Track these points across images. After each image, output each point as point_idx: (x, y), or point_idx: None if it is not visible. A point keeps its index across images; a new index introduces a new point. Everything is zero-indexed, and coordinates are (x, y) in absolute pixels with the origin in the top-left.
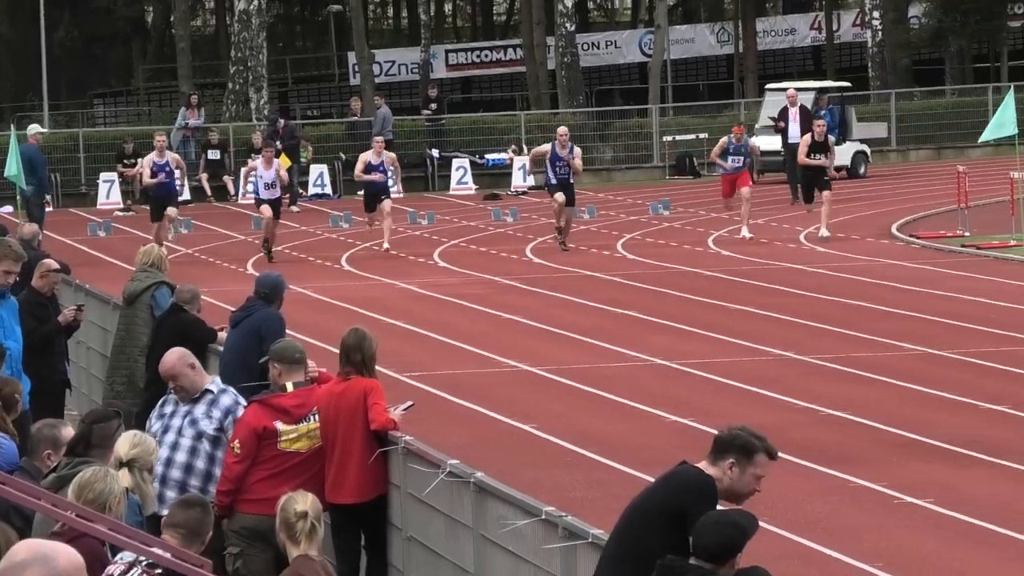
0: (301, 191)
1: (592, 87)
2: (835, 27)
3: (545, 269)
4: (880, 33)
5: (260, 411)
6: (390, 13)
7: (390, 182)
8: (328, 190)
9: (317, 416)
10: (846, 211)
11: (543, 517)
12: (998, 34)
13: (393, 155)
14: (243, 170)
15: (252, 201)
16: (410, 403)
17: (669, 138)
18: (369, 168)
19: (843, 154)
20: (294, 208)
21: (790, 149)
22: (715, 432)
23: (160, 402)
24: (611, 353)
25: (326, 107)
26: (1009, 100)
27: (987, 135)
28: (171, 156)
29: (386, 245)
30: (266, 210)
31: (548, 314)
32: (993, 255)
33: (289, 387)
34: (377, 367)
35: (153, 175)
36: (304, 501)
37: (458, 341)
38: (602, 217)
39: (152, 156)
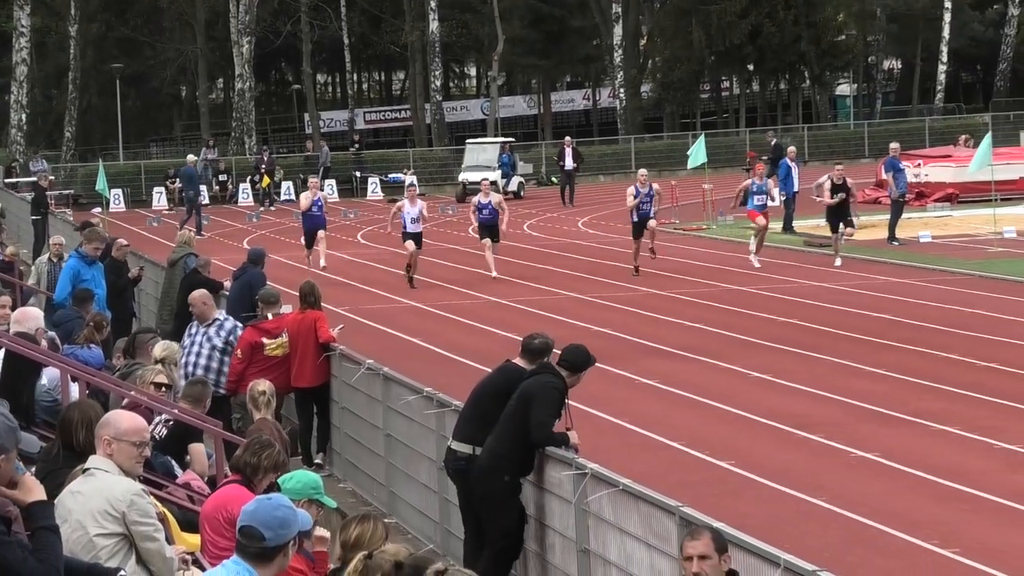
0: (276, 197)
1: (453, 134)
2: (597, 98)
3: (427, 245)
4: (624, 101)
5: (253, 331)
6: (330, 89)
7: (502, 224)
8: (292, 197)
9: (286, 334)
10: (598, 209)
11: (424, 394)
12: (694, 103)
13: (500, 196)
14: (392, 209)
15: (399, 234)
16: (342, 326)
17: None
18: (480, 207)
19: (513, 184)
20: (272, 208)
21: (567, 173)
22: (522, 339)
23: (188, 327)
24: (466, 295)
25: (291, 146)
26: (700, 143)
27: (690, 164)
28: (322, 195)
29: (494, 274)
30: (410, 244)
31: (428, 272)
32: (693, 235)
33: (270, 316)
34: (322, 304)
35: (308, 208)
36: (264, 384)
37: (372, 287)
38: (460, 215)
39: (308, 193)
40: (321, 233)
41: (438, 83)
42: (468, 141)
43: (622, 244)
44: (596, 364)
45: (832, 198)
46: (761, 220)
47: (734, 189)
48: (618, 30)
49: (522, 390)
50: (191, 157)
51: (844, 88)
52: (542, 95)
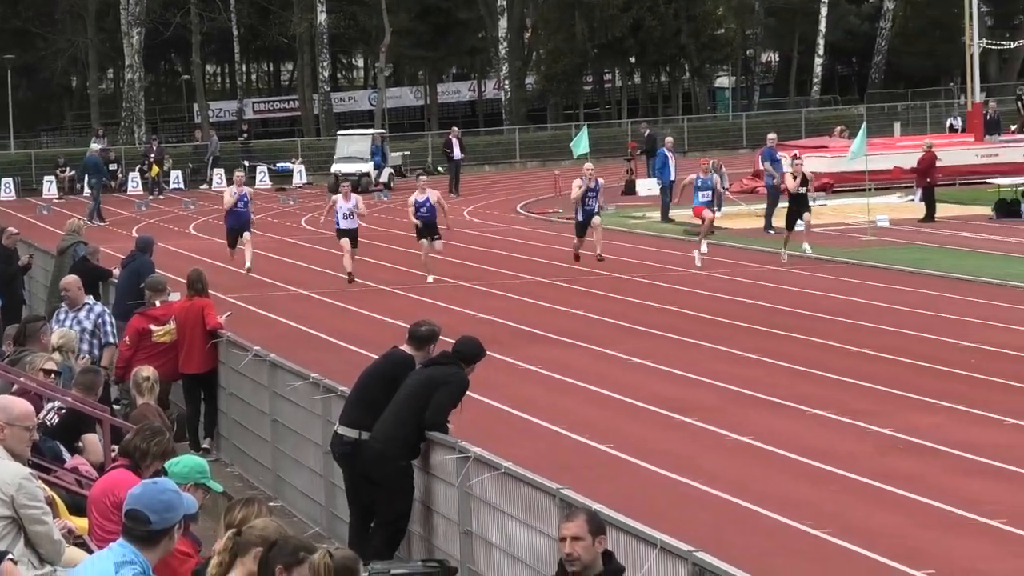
0: (165, 186)
1: (341, 124)
2: (483, 89)
3: (309, 232)
4: (509, 93)
5: (141, 319)
6: (219, 79)
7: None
8: (181, 185)
9: (174, 321)
10: (484, 198)
11: (311, 380)
12: (577, 94)
13: (438, 193)
14: (327, 205)
15: (333, 233)
16: (229, 312)
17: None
18: (417, 206)
19: (384, 175)
20: (161, 196)
21: (455, 164)
22: (408, 326)
23: (56, 313)
24: (354, 283)
25: (180, 136)
26: (583, 133)
27: (573, 154)
28: (248, 190)
29: (430, 278)
30: (346, 243)
31: (313, 259)
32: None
33: (158, 303)
34: (210, 291)
35: (233, 205)
36: (148, 370)
37: (259, 275)
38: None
39: (233, 188)
40: (247, 236)
41: (326, 74)
42: (339, 132)
43: (507, 232)
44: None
45: (797, 187)
46: (708, 213)
47: (617, 178)
48: (503, 23)
49: (430, 376)
50: (94, 146)
51: (723, 80)
52: (429, 86)
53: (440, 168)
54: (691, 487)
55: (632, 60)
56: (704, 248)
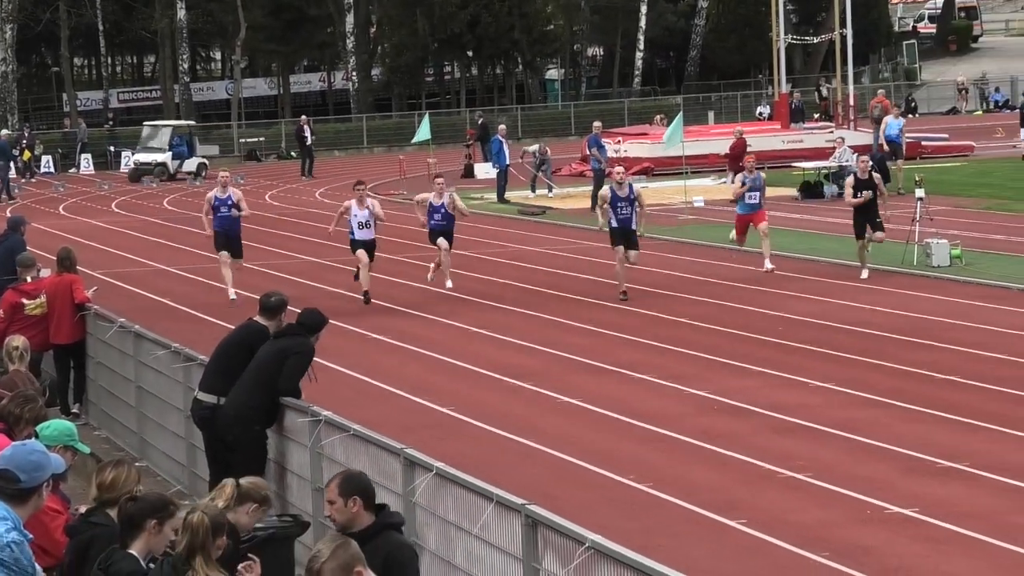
0: (36, 170)
1: (200, 112)
2: (332, 80)
3: (175, 213)
4: (357, 83)
5: (13, 294)
6: (87, 71)
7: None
8: (52, 169)
9: (44, 295)
10: (334, 181)
11: (172, 350)
12: (420, 85)
13: (456, 198)
14: (339, 210)
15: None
16: (96, 287)
17: (243, 140)
18: (432, 210)
19: (191, 164)
20: (33, 180)
21: (307, 150)
22: (260, 299)
23: None
24: (211, 260)
25: (51, 123)
26: (425, 122)
27: (415, 139)
28: (233, 191)
29: (449, 284)
30: (362, 255)
31: (183, 239)
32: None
33: (28, 279)
34: (78, 267)
35: (215, 209)
36: (18, 340)
37: (124, 252)
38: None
39: (215, 192)
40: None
41: (185, 66)
42: (145, 124)
43: None
44: (331, 322)
45: (857, 197)
46: (737, 239)
47: (457, 163)
48: (350, 19)
49: (282, 348)
50: (4, 132)
51: (553, 72)
52: (282, 77)
53: (293, 153)
54: (525, 446)
55: (470, 54)
56: (768, 264)
